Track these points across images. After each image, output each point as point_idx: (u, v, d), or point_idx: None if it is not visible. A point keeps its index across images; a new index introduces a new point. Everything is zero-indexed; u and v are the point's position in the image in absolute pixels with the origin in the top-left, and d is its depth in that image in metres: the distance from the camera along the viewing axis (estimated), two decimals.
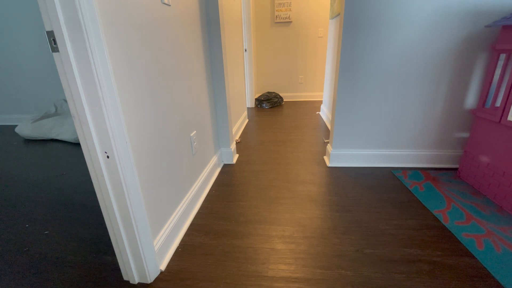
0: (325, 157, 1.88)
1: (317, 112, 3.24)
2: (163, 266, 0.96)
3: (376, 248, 1.02)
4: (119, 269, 0.96)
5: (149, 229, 0.88)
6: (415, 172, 1.61)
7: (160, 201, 0.98)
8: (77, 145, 2.40)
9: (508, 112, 1.19)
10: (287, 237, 1.10)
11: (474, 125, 1.42)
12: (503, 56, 1.25)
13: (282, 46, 3.96)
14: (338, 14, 2.39)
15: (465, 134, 1.60)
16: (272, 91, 4.26)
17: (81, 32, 0.60)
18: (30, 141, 2.54)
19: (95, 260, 1.01)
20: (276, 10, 3.77)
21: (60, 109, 2.87)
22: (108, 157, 0.73)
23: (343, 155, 1.73)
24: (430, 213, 1.22)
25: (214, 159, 1.66)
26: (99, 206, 1.37)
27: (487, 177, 1.33)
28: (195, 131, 1.33)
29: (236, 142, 2.28)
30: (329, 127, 2.64)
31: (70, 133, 2.44)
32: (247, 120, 3.00)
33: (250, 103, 3.74)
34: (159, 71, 0.96)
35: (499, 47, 1.24)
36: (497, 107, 1.29)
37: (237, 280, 0.90)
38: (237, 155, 1.98)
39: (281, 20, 3.81)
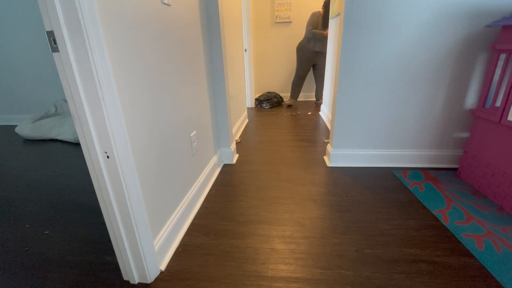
0: (325, 157, 1.88)
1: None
2: (163, 266, 0.96)
3: (376, 248, 1.02)
4: (119, 269, 0.96)
5: (149, 229, 0.88)
6: (415, 172, 1.61)
7: (160, 201, 0.98)
8: (77, 145, 2.40)
9: (508, 112, 1.19)
10: (287, 237, 1.10)
11: (474, 125, 1.42)
12: (503, 56, 1.25)
13: (282, 46, 3.96)
14: (338, 14, 2.39)
15: (465, 134, 1.60)
16: (272, 91, 4.26)
17: (81, 32, 0.60)
18: (30, 141, 2.54)
19: (95, 260, 1.01)
20: (276, 10, 3.77)
21: (60, 109, 2.87)
22: (108, 157, 0.73)
23: (343, 155, 1.73)
24: (430, 213, 1.22)
25: (214, 159, 1.66)
26: (99, 206, 1.37)
27: (487, 177, 1.33)
28: (195, 131, 1.33)
29: (236, 142, 2.28)
30: (329, 127, 2.64)
31: (70, 133, 2.44)
32: (247, 120, 3.00)
33: (250, 103, 3.74)
34: (159, 71, 0.96)
35: (499, 47, 1.24)
36: (497, 107, 1.29)
37: (237, 280, 0.90)
38: (237, 155, 1.98)
39: (281, 20, 3.81)
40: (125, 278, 0.92)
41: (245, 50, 3.45)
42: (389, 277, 0.89)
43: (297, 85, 3.61)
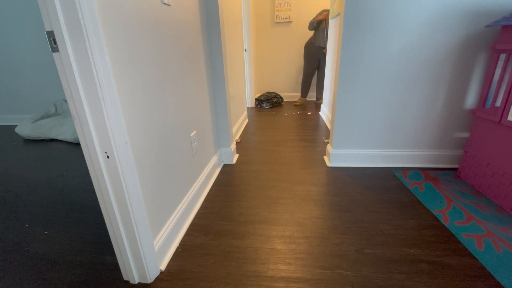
0: (325, 157, 1.88)
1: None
2: (163, 266, 0.96)
3: (376, 248, 1.02)
4: (119, 269, 0.96)
5: (149, 229, 0.88)
6: (415, 172, 1.61)
7: (160, 201, 0.98)
8: (77, 145, 2.40)
9: (508, 112, 1.19)
10: (287, 237, 1.10)
11: (474, 125, 1.42)
12: (503, 56, 1.25)
13: (282, 46, 3.96)
14: (338, 14, 2.39)
15: (465, 134, 1.60)
16: (272, 91, 4.26)
17: (81, 32, 0.60)
18: (30, 141, 2.54)
19: (95, 260, 1.01)
20: (276, 10, 3.77)
21: (60, 109, 2.87)
22: (108, 157, 0.73)
23: (343, 155, 1.73)
24: (430, 213, 1.22)
25: (214, 159, 1.66)
26: (99, 206, 1.37)
27: (487, 177, 1.33)
28: (195, 131, 1.33)
29: (236, 142, 2.28)
30: (329, 127, 2.64)
31: (70, 133, 2.44)
32: (247, 120, 3.00)
33: (250, 103, 3.74)
34: (159, 71, 0.96)
35: (499, 47, 1.24)
36: (497, 107, 1.29)
37: (237, 280, 0.90)
38: (237, 155, 1.98)
39: (281, 20, 3.81)
40: (125, 278, 0.92)
41: (245, 50, 3.44)
42: (389, 277, 0.89)
43: (305, 82, 3.67)
